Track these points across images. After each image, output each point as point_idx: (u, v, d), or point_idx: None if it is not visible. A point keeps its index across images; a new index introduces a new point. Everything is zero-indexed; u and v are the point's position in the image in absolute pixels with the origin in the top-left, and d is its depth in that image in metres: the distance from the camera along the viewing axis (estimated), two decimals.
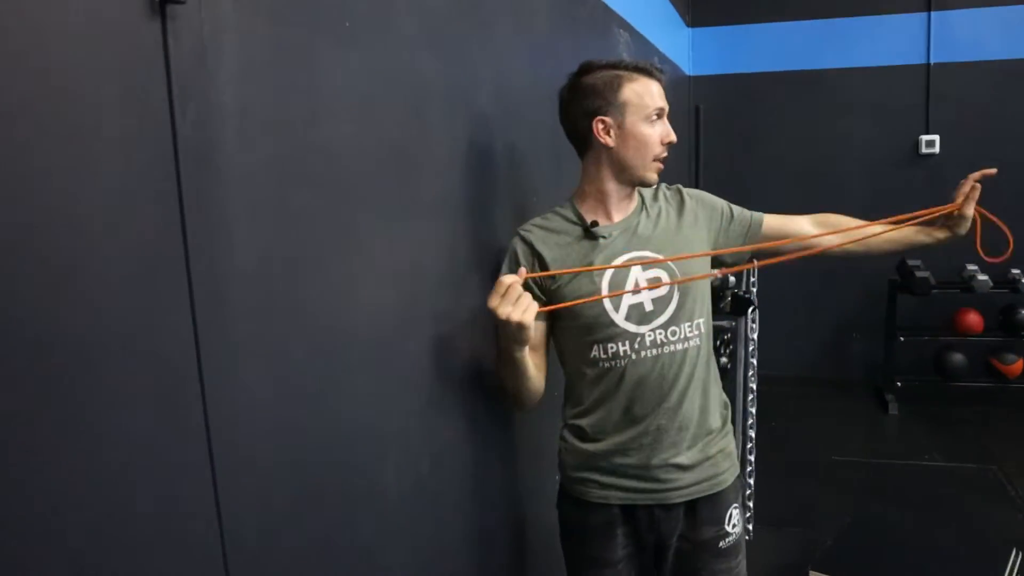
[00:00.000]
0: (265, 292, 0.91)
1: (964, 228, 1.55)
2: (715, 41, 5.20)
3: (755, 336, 2.99)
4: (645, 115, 1.45)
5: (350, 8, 1.07)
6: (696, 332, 1.49)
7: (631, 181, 1.50)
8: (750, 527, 3.00)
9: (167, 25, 0.74)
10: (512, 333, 1.33)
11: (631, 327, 1.44)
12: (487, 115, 1.61)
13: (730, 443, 1.58)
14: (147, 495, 0.75)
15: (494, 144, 1.65)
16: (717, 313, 2.76)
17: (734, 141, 5.17)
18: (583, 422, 1.52)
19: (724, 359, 3.78)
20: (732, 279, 3.17)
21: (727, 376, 3.66)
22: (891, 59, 4.84)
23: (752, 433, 3.00)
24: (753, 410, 2.98)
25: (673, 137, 1.48)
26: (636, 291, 1.44)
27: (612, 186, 1.50)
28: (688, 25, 5.17)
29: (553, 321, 1.52)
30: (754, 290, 3.91)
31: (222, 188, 0.83)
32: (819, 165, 5.02)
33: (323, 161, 1.03)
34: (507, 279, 1.31)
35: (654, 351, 1.45)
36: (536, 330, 1.48)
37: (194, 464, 0.80)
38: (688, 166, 5.04)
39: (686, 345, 1.47)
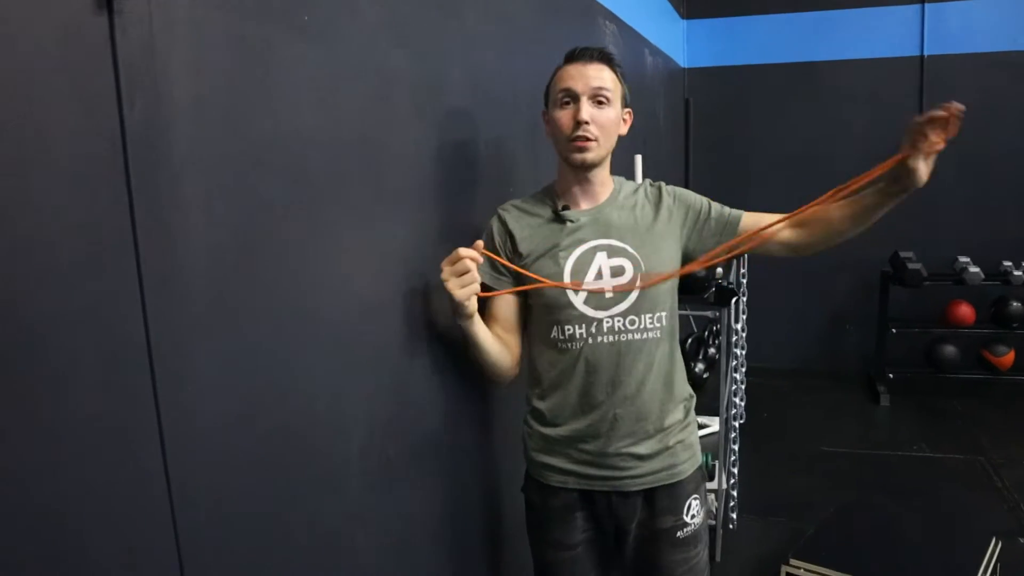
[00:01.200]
0: (222, 277, 0.94)
1: (918, 180, 1.29)
2: (710, 33, 5.20)
3: (739, 326, 3.01)
4: (555, 100, 1.50)
5: (310, 1, 1.09)
6: (658, 324, 1.50)
7: (569, 166, 1.52)
8: (733, 516, 3.03)
9: (114, 20, 0.77)
10: (452, 304, 1.40)
11: (589, 311, 1.47)
12: (459, 106, 1.63)
13: (691, 435, 1.59)
14: (96, 478, 0.78)
15: (467, 135, 1.67)
16: (702, 304, 2.78)
17: (728, 133, 5.18)
18: (542, 405, 1.55)
19: (712, 350, 3.81)
20: (719, 269, 3.19)
21: (715, 367, 3.69)
22: (885, 51, 4.84)
23: (736, 423, 3.03)
24: (737, 400, 3.01)
25: (582, 115, 1.44)
26: (603, 289, 1.47)
27: (565, 173, 1.55)
28: (683, 17, 5.17)
29: (524, 297, 1.55)
30: (744, 281, 3.93)
31: (174, 177, 0.86)
32: (813, 157, 5.03)
33: (283, 151, 1.05)
34: (463, 251, 1.37)
35: (611, 337, 1.47)
36: (507, 305, 1.55)
37: (143, 448, 0.83)
38: (679, 159, 5.05)
39: (645, 336, 1.49)
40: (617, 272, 1.48)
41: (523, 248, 1.53)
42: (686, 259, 1.57)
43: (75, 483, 0.75)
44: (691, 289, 2.67)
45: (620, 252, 1.49)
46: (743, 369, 3.99)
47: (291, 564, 1.09)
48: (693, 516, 1.56)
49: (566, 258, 1.49)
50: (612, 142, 1.52)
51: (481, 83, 1.75)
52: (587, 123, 1.45)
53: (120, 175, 0.79)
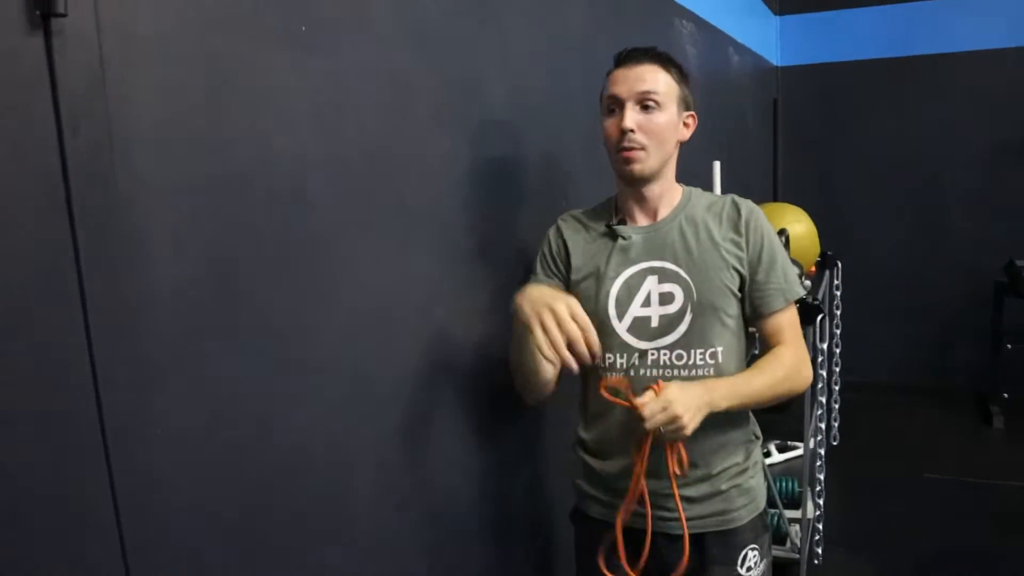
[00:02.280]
0: (194, 311, 0.87)
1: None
2: (805, 29, 4.93)
3: (824, 346, 2.78)
4: (603, 107, 1.40)
5: (307, 11, 1.02)
6: (711, 361, 1.34)
7: (621, 179, 1.41)
8: (819, 550, 2.80)
9: (51, 41, 0.70)
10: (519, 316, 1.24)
11: (632, 340, 1.34)
12: (498, 117, 1.53)
13: (750, 479, 1.43)
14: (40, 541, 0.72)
15: (509, 147, 1.58)
16: None
17: (825, 134, 4.89)
18: (587, 436, 1.47)
19: None
20: (807, 282, 2.97)
21: None
22: (998, 41, 4.44)
23: (822, 450, 2.80)
24: (823, 425, 2.78)
25: (626, 123, 1.32)
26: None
27: (621, 186, 1.43)
28: (776, 13, 4.91)
29: None
30: (838, 293, 3.67)
31: (128, 207, 0.79)
32: (918, 160, 4.68)
33: (273, 174, 0.98)
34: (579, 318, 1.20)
35: (655, 372, 1.34)
36: None
37: (91, 502, 0.77)
38: (768, 161, 4.79)
39: (694, 373, 1.34)
40: (666, 300, 1.35)
41: (575, 261, 1.44)
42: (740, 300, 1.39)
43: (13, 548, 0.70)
44: None
45: (672, 277, 1.35)
46: (836, 388, 3.73)
47: None
48: (749, 568, 1.41)
49: (613, 280, 1.37)
50: (666, 150, 1.38)
51: (524, 92, 1.64)
52: (632, 131, 1.33)
53: (61, 208, 0.72)
